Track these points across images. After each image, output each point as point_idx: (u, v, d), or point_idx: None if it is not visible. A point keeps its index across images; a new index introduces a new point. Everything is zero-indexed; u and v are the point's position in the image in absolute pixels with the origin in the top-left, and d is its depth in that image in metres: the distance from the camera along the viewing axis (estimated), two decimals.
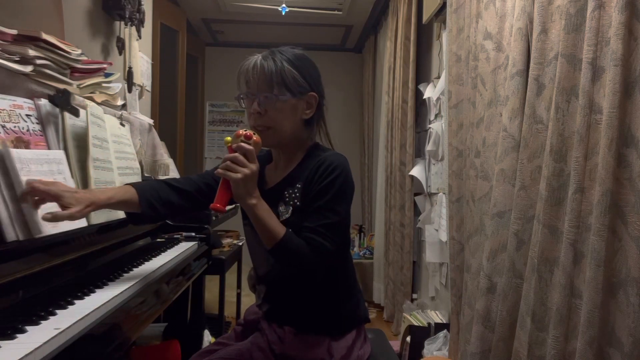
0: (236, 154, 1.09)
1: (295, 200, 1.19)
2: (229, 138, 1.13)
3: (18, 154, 1.06)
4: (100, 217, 1.34)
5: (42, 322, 0.90)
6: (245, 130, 1.13)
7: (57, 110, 1.30)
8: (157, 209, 1.23)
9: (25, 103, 1.20)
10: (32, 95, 1.26)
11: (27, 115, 1.20)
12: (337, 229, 1.16)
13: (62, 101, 1.30)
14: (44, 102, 1.26)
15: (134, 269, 1.37)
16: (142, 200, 1.20)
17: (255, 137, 1.12)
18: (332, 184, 1.15)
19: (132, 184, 1.25)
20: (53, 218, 1.02)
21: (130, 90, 2.37)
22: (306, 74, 1.23)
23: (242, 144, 1.10)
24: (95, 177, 1.35)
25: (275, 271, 1.25)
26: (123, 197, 1.19)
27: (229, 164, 1.08)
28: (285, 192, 1.21)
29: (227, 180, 1.09)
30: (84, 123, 1.39)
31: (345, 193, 1.18)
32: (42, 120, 1.25)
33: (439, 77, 2.89)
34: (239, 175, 1.07)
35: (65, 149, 1.28)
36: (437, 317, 2.70)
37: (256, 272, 1.33)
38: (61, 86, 1.35)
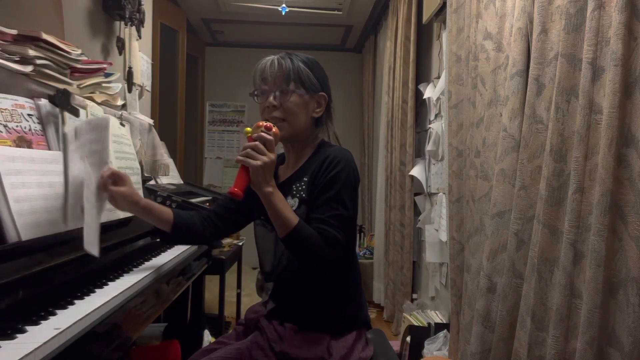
0: (256, 142, 1.13)
1: (302, 193, 1.24)
2: (249, 129, 1.18)
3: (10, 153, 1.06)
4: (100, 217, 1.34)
5: (42, 322, 0.90)
6: (265, 122, 1.18)
7: (57, 110, 1.30)
8: (191, 233, 1.35)
9: (27, 103, 1.20)
10: (32, 95, 1.25)
11: (28, 114, 1.20)
12: (346, 220, 1.20)
13: (62, 101, 1.30)
14: (43, 102, 1.26)
15: (134, 268, 1.37)
16: (175, 221, 1.31)
17: (274, 129, 1.18)
18: (338, 176, 1.20)
19: (172, 209, 1.36)
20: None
21: (130, 90, 2.37)
22: (318, 75, 1.30)
23: (263, 133, 1.14)
24: None
25: (281, 266, 1.28)
26: (159, 210, 1.31)
27: (249, 151, 1.12)
28: (294, 186, 1.26)
29: (246, 167, 1.13)
30: None
31: (351, 185, 1.23)
32: (42, 120, 1.25)
33: (439, 77, 2.89)
34: (258, 163, 1.11)
35: (65, 149, 1.28)
36: (437, 317, 2.70)
37: (263, 270, 1.35)
38: (61, 86, 1.35)
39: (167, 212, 1.32)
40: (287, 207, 1.16)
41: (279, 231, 1.16)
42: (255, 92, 1.30)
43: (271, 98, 1.25)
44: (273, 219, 1.16)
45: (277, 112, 1.25)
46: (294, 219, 1.14)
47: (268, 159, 1.12)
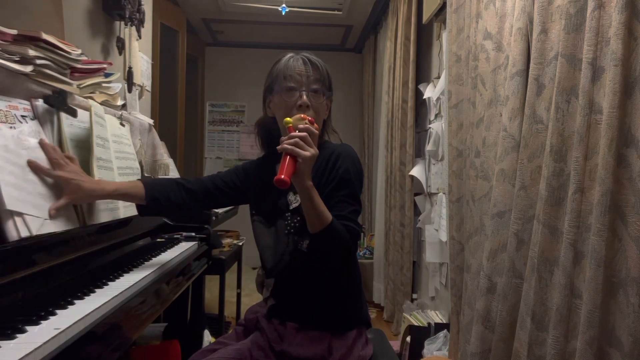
0: (306, 134, 1.10)
1: None
2: (290, 119, 1.15)
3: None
4: (100, 217, 1.34)
5: (42, 322, 0.89)
6: (307, 116, 1.17)
7: (54, 110, 1.30)
8: (161, 205, 1.33)
9: (20, 104, 1.20)
10: (31, 96, 1.25)
11: (22, 116, 1.20)
12: (359, 214, 1.23)
13: (58, 101, 1.30)
14: (40, 103, 1.26)
15: (134, 268, 1.37)
16: (148, 195, 1.31)
17: (316, 125, 1.16)
18: (349, 172, 1.22)
19: (143, 180, 1.35)
20: (56, 213, 1.14)
21: (130, 90, 2.36)
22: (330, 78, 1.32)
23: (309, 126, 1.12)
24: (98, 176, 1.35)
25: (283, 263, 1.28)
26: (129, 190, 1.31)
27: (299, 141, 1.09)
28: None
29: (293, 157, 1.09)
30: (83, 123, 1.39)
31: (360, 181, 1.26)
32: (39, 121, 1.25)
33: (439, 77, 2.89)
34: (307, 154, 1.08)
35: (62, 150, 1.28)
36: (437, 317, 2.70)
37: (264, 267, 1.35)
38: (61, 86, 1.35)
39: (136, 188, 1.32)
40: (322, 203, 1.15)
41: (313, 225, 1.14)
42: (276, 88, 1.27)
43: (304, 97, 1.24)
44: (309, 214, 1.14)
45: (308, 113, 1.23)
46: (329, 215, 1.14)
47: (315, 151, 1.10)
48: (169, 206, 1.35)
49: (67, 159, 1.22)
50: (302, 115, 1.16)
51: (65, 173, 1.18)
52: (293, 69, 1.26)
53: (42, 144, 1.18)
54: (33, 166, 1.12)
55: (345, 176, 1.21)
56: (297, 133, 1.10)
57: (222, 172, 1.44)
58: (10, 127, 1.11)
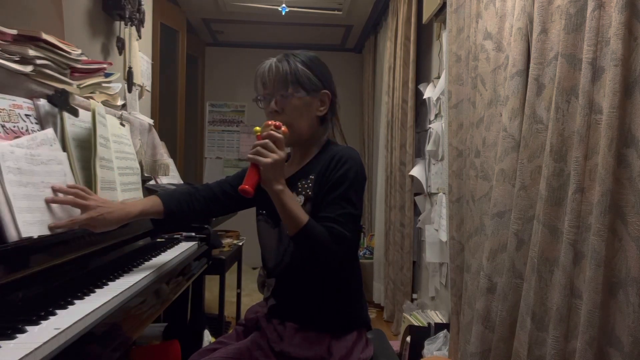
0: (266, 140, 1.13)
1: (308, 191, 1.24)
2: (258, 128, 1.18)
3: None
4: None
5: (42, 322, 0.90)
6: (274, 121, 1.18)
7: (56, 110, 1.30)
8: (177, 218, 1.37)
9: (24, 103, 1.20)
10: (32, 95, 1.25)
11: (26, 115, 1.20)
12: (354, 218, 1.21)
13: (61, 101, 1.30)
14: (42, 102, 1.26)
15: (134, 268, 1.37)
16: (165, 210, 1.34)
17: (284, 128, 1.17)
18: (346, 175, 1.21)
19: (158, 194, 1.37)
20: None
21: (130, 90, 2.36)
22: (318, 73, 1.29)
23: (272, 132, 1.14)
24: (100, 175, 1.35)
25: (284, 263, 1.28)
26: (150, 209, 1.33)
27: (259, 149, 1.12)
28: (299, 183, 1.26)
29: (257, 165, 1.13)
30: (84, 123, 1.39)
31: (359, 184, 1.24)
32: (41, 121, 1.25)
33: (439, 77, 2.89)
34: (268, 160, 1.11)
35: (65, 149, 1.28)
36: (437, 317, 2.70)
37: (266, 266, 1.35)
38: (61, 86, 1.35)
39: (156, 205, 1.33)
40: (297, 205, 1.16)
41: (289, 229, 1.16)
42: (258, 97, 1.30)
43: (272, 104, 1.25)
44: (283, 217, 1.15)
45: (279, 118, 1.24)
46: (304, 217, 1.14)
47: (278, 156, 1.12)
48: (182, 218, 1.38)
49: (82, 191, 1.21)
50: (268, 122, 1.18)
51: (92, 212, 1.18)
52: (260, 78, 1.28)
53: (58, 189, 1.16)
54: (60, 225, 1.12)
55: (340, 179, 1.21)
56: (259, 141, 1.13)
57: (230, 176, 1.44)
58: (19, 145, 1.09)
